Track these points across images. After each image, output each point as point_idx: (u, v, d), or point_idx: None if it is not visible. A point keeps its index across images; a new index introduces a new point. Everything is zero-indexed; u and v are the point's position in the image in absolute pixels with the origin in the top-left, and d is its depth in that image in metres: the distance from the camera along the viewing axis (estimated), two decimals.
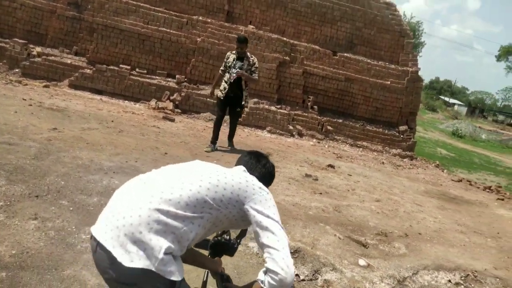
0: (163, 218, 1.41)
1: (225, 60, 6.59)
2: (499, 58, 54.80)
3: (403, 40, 11.49)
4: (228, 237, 1.89)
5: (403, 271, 3.75)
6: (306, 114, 10.57)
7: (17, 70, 9.46)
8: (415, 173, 9.38)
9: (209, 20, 10.23)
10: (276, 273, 1.40)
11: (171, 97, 9.66)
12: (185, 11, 10.40)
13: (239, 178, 1.65)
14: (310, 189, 5.63)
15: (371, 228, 4.69)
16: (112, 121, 7.10)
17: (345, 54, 11.22)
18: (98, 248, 1.44)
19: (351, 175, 7.03)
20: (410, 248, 4.32)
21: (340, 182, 6.38)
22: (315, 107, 10.88)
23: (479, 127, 37.80)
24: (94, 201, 3.82)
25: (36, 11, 9.99)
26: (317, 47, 11.03)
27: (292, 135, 9.99)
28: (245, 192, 1.60)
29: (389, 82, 11.19)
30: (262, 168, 1.86)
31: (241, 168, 1.82)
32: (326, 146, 9.83)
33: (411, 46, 11.52)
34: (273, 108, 10.10)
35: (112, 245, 1.39)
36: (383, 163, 9.52)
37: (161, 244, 1.38)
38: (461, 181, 9.57)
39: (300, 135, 10.21)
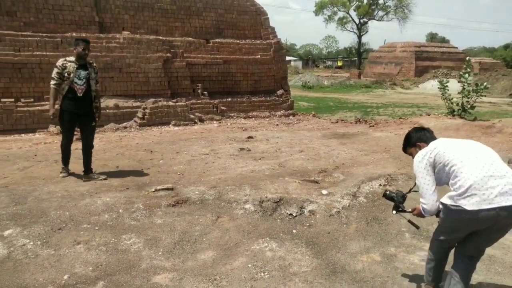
0: None
1: (59, 70, 5.20)
2: (317, 12, 62.97)
3: (260, 17, 13.15)
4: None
5: (351, 188, 5.25)
6: (200, 101, 11.54)
7: None
8: (304, 125, 11.29)
9: (83, 35, 10.19)
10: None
11: None
12: (54, 31, 10.12)
13: None
14: (251, 158, 6.79)
15: (311, 170, 6.11)
16: (36, 155, 7.04)
17: (217, 40, 12.38)
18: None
19: (269, 140, 8.40)
20: (345, 174, 5.87)
21: (266, 147, 7.68)
22: (205, 92, 11.89)
23: (319, 75, 43.53)
24: (106, 218, 4.32)
25: None
26: (191, 39, 11.93)
27: (195, 123, 10.89)
28: None
29: (259, 56, 12.80)
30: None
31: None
32: (229, 123, 11.03)
33: (268, 21, 13.28)
34: (170, 103, 10.79)
35: None
36: (277, 125, 11.17)
37: None
38: (337, 122, 11.85)
39: (201, 120, 11.17)
